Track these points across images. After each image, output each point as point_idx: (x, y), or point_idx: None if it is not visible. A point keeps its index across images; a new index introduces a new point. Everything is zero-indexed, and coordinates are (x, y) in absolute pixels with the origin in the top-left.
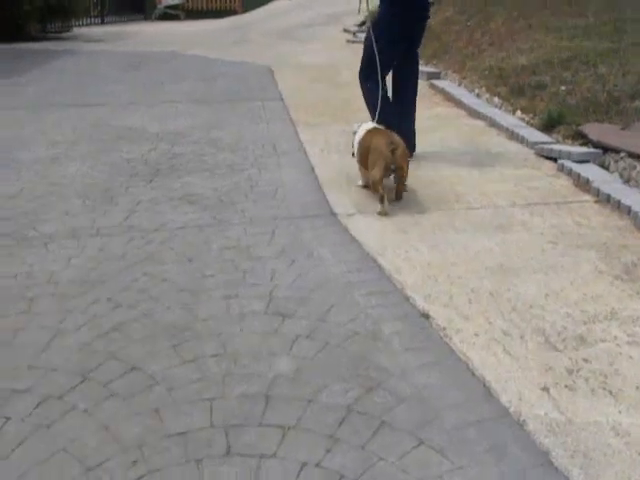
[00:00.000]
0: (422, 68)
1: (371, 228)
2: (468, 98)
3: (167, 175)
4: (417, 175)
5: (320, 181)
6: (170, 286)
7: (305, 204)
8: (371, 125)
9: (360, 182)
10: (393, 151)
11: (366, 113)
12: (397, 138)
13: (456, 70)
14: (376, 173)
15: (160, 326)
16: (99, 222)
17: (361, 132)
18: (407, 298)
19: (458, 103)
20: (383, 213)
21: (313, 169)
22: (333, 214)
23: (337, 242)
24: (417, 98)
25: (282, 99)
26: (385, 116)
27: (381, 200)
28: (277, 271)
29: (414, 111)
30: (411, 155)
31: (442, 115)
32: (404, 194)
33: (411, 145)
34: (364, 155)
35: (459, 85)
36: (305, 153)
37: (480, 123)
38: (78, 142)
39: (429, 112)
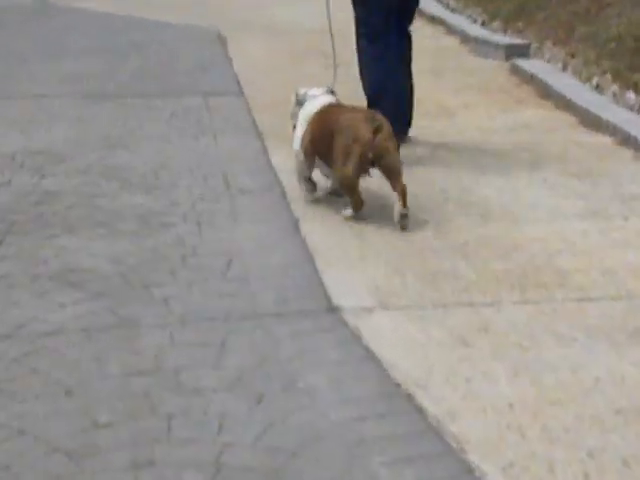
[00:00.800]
0: (498, 38)
1: (403, 335)
2: (580, 93)
3: (29, 234)
4: (486, 235)
5: (310, 247)
6: (33, 443)
7: (282, 289)
8: (330, 98)
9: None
10: (375, 132)
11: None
12: (378, 115)
13: (558, 41)
14: (349, 168)
15: None
16: None
17: (315, 106)
18: (470, 469)
19: (562, 101)
20: (349, 217)
21: (297, 223)
22: (333, 309)
23: (340, 362)
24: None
25: (241, 91)
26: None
27: (357, 206)
28: (230, 417)
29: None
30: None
31: (533, 123)
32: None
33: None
34: (324, 141)
35: (564, 69)
36: (283, 194)
37: (603, 139)
38: None
39: (510, 117)
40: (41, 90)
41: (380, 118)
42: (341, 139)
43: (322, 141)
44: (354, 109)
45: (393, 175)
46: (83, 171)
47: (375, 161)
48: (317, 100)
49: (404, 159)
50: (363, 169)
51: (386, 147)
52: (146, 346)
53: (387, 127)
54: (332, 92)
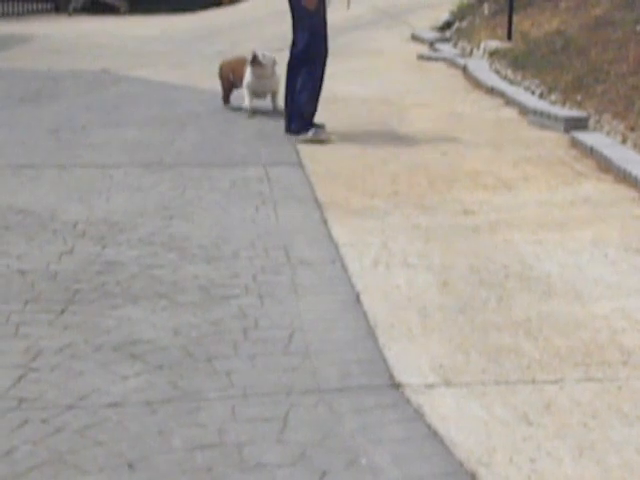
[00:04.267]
0: (557, 110)
1: (466, 413)
2: None
3: (92, 303)
4: (549, 311)
5: (372, 321)
6: None
7: (345, 364)
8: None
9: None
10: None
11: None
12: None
13: (617, 114)
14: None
15: None
16: None
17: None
18: None
19: (622, 175)
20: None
21: (358, 297)
22: (396, 385)
23: (403, 439)
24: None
25: (300, 163)
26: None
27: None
28: None
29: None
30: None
31: (593, 198)
32: None
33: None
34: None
35: (624, 142)
36: (343, 266)
37: None
38: None
39: (570, 191)
40: (101, 159)
41: (237, 62)
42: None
43: None
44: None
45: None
46: (144, 241)
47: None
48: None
49: (463, 232)
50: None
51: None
52: (209, 420)
53: (239, 69)
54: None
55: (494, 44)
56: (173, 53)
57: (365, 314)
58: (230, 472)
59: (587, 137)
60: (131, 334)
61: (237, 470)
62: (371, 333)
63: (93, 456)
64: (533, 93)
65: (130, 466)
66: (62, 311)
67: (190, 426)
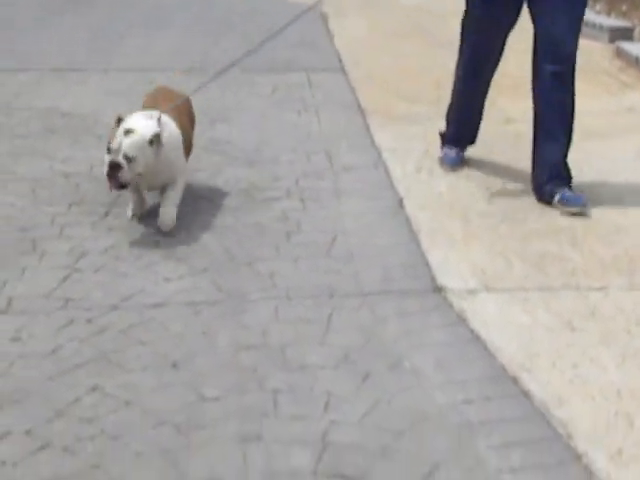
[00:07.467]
0: (601, 20)
1: (509, 318)
2: None
3: None
4: (592, 219)
5: (414, 226)
6: (140, 414)
7: (387, 268)
8: None
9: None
10: None
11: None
12: None
13: None
14: None
15: None
16: (10, 289)
17: None
18: (578, 455)
19: None
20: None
21: (401, 202)
22: (438, 289)
23: (445, 343)
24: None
25: (342, 68)
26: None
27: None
28: (336, 394)
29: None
30: None
31: (638, 108)
32: None
33: None
34: None
35: None
36: (386, 171)
37: None
38: None
39: (614, 101)
40: (141, 62)
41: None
42: None
43: None
44: None
45: None
46: None
47: None
48: None
49: (505, 140)
50: None
51: None
52: (252, 321)
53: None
54: None
55: None
56: None
57: (407, 219)
58: (274, 372)
59: (632, 47)
60: (174, 237)
61: (281, 370)
62: (413, 238)
63: (137, 355)
64: None
65: (174, 365)
66: (106, 214)
67: (234, 327)
